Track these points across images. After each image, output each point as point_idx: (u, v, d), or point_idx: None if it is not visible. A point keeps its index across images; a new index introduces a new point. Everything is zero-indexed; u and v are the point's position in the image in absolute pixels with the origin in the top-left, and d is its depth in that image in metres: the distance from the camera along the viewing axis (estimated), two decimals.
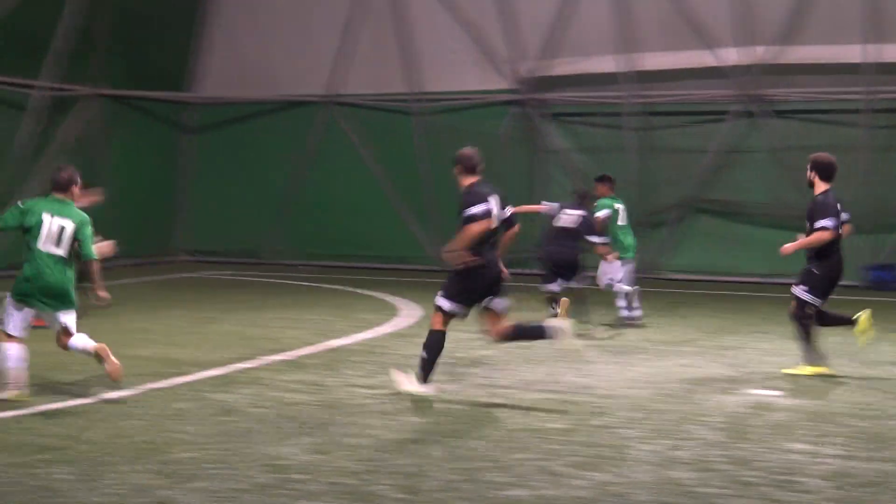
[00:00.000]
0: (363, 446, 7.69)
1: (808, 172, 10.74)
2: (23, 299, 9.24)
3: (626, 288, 14.37)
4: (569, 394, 9.66)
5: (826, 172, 10.65)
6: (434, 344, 9.29)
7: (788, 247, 10.55)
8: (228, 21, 24.71)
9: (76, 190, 9.60)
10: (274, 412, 8.83)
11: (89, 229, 9.45)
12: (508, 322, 9.44)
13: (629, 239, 14.80)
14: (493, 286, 9.34)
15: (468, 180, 9.48)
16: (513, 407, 9.10)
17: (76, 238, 9.31)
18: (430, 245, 22.07)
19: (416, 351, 11.36)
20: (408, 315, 15.35)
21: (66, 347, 9.40)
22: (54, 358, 11.30)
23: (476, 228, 9.08)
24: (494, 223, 9.30)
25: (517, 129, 22.78)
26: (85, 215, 9.55)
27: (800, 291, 10.63)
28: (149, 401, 9.27)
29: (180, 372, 10.63)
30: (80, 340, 9.39)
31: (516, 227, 9.64)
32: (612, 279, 14.28)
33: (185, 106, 25.31)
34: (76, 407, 9.01)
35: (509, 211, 9.57)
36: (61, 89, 21.94)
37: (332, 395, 9.53)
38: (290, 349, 12.03)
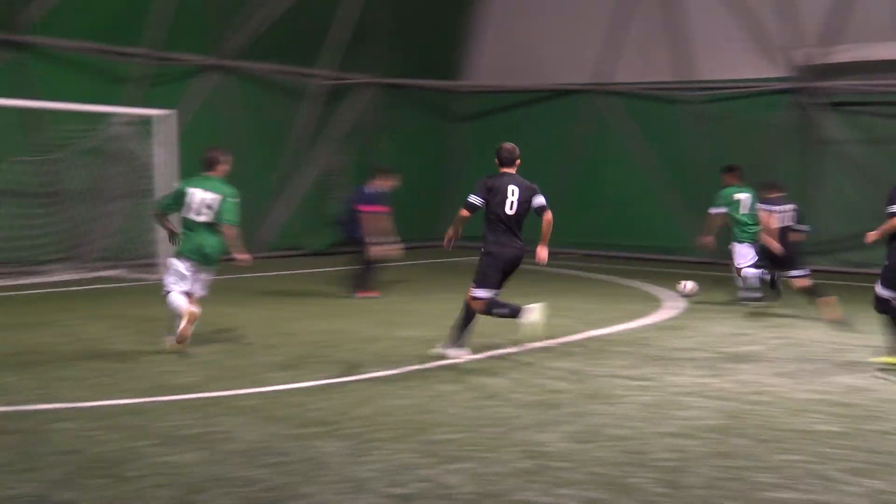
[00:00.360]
0: (623, 437, 7.62)
1: None
2: (179, 256, 10.97)
3: (756, 272, 14.56)
4: (841, 395, 9.24)
5: None
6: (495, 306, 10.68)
7: (871, 234, 10.46)
8: (499, 9, 25.01)
9: (221, 168, 11.19)
10: (536, 398, 8.87)
11: (230, 202, 10.96)
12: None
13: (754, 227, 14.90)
14: (511, 270, 10.71)
15: (500, 171, 10.69)
16: (781, 406, 8.79)
17: (220, 207, 10.91)
18: (695, 236, 21.62)
19: (680, 343, 11.18)
20: (672, 307, 15.08)
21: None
22: (326, 336, 11.81)
23: (461, 213, 10.53)
24: (509, 211, 10.49)
25: (791, 119, 21.96)
26: (230, 189, 11.06)
27: (876, 286, 10.49)
28: (414, 381, 9.51)
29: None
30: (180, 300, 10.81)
31: (547, 216, 10.73)
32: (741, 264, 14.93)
33: (456, 94, 25.78)
34: (347, 383, 9.36)
35: (538, 202, 10.65)
36: (338, 78, 22.81)
37: (593, 385, 9.49)
38: (554, 336, 12.05)
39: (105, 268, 17.95)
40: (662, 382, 9.59)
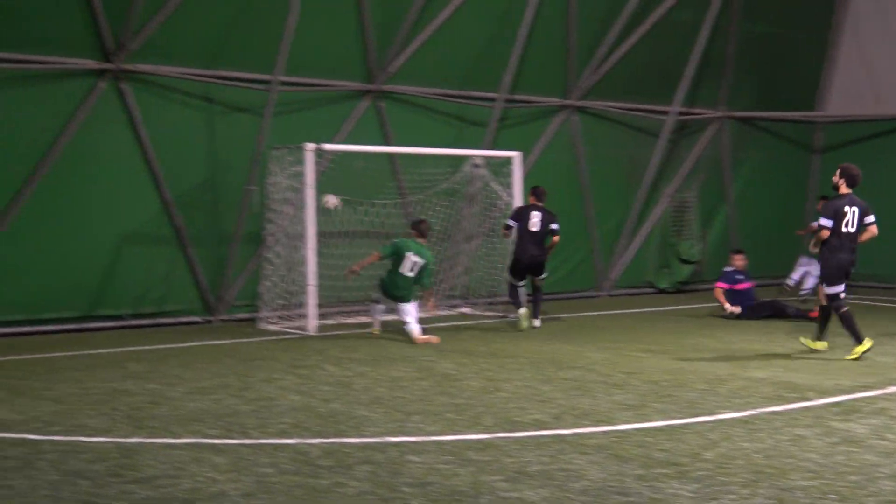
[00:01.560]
0: None
1: (836, 178, 13.08)
2: (384, 294, 15.08)
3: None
4: None
5: (851, 180, 12.98)
6: (512, 293, 16.59)
7: (801, 231, 14.38)
8: (861, 36, 23.75)
9: (427, 236, 15.26)
10: None
11: (430, 269, 15.07)
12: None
13: None
14: (530, 269, 16.30)
15: (532, 202, 16.64)
16: None
17: (423, 270, 14.89)
18: None
19: None
20: None
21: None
22: (672, 375, 11.62)
23: (502, 230, 16.98)
24: (532, 229, 16.23)
25: None
26: (431, 257, 15.19)
27: (823, 288, 13.16)
28: (768, 424, 9.14)
29: (801, 397, 10.39)
30: (414, 328, 14.63)
31: (555, 238, 16.44)
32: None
33: (814, 125, 24.76)
34: (695, 424, 9.14)
35: (553, 227, 16.35)
36: (687, 113, 22.52)
37: None
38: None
39: (455, 305, 18.57)
40: None
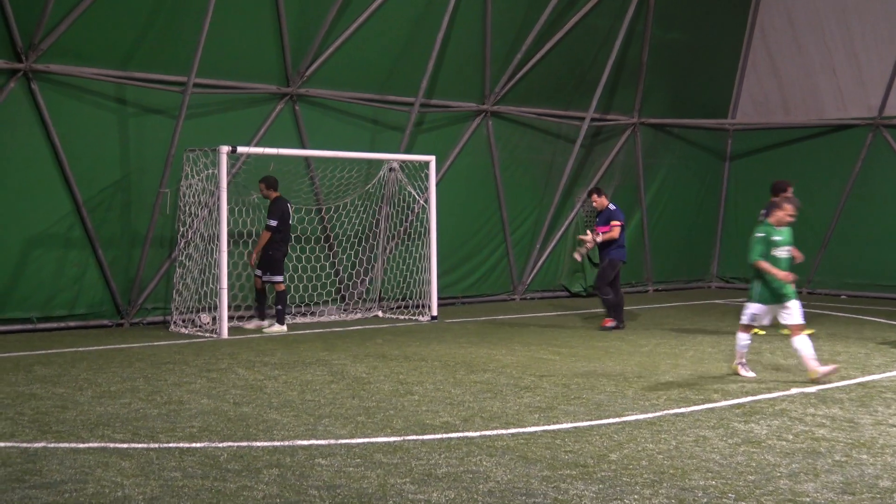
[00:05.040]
0: (892, 490, 7.19)
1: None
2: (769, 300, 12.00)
3: None
4: None
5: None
6: None
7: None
8: (772, 46, 24.25)
9: (776, 215, 12.03)
10: (798, 446, 8.52)
11: (751, 240, 11.95)
12: None
13: None
14: None
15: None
16: None
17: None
18: None
19: None
20: None
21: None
22: (582, 379, 11.76)
23: None
24: None
25: None
26: (757, 232, 12.01)
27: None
28: (673, 425, 9.33)
29: (705, 399, 10.61)
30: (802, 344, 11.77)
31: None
32: None
33: (726, 133, 25.24)
34: (601, 426, 9.29)
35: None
36: (600, 119, 22.80)
37: (863, 434, 9.02)
38: (822, 382, 11.55)
39: (369, 308, 18.62)
40: None
